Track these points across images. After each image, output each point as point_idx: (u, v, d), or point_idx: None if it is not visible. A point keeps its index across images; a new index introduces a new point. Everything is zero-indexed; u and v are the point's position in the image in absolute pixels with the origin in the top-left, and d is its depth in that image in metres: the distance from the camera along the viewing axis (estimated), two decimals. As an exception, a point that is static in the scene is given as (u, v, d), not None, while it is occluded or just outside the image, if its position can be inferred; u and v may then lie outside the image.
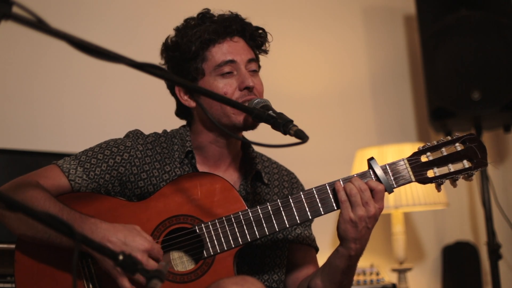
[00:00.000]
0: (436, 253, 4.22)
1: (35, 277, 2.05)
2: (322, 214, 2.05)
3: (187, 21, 2.23)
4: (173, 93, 2.27)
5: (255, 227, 2.03)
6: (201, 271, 2.03)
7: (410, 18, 4.37)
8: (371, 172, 2.04)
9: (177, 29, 2.22)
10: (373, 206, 1.99)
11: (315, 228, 2.37)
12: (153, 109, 3.62)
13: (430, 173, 2.03)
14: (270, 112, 1.99)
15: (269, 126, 1.98)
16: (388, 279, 3.57)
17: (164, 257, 2.07)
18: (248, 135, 2.21)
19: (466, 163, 2.03)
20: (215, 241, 2.03)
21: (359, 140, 4.09)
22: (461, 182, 2.05)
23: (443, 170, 2.03)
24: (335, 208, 2.04)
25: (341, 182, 2.03)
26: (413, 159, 2.04)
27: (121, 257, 1.47)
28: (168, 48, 2.23)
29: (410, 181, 2.04)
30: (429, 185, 2.06)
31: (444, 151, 2.04)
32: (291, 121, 1.94)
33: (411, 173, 2.03)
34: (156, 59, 2.25)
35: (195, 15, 2.23)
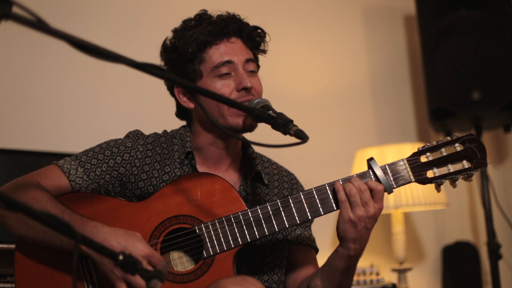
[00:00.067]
0: (436, 253, 4.22)
1: (35, 277, 2.05)
2: (321, 215, 2.05)
3: (185, 22, 2.22)
4: (172, 94, 2.28)
5: (254, 228, 2.03)
6: (200, 271, 2.03)
7: (410, 18, 4.37)
8: (371, 172, 2.04)
9: (175, 31, 2.23)
10: (373, 206, 1.99)
11: (315, 229, 2.37)
12: (153, 109, 3.62)
13: (429, 174, 2.04)
14: (270, 112, 1.99)
15: (269, 126, 1.98)
16: (388, 279, 3.57)
17: (164, 257, 2.07)
18: (248, 135, 2.21)
19: (465, 164, 2.03)
20: (215, 241, 2.03)
21: (359, 140, 4.09)
22: (461, 182, 2.05)
23: (443, 170, 2.03)
24: (335, 208, 2.04)
25: (341, 182, 2.03)
26: (413, 159, 2.04)
27: (121, 257, 1.47)
28: (166, 50, 2.23)
29: (410, 182, 2.04)
30: (428, 185, 2.06)
31: (444, 152, 2.04)
32: (291, 121, 1.94)
33: (410, 173, 2.03)
34: (156, 59, 2.25)
35: (193, 16, 2.23)
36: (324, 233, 3.79)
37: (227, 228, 2.04)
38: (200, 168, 2.22)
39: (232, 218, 2.04)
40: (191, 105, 2.22)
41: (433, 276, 4.20)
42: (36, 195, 2.00)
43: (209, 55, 2.17)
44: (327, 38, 4.24)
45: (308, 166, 3.80)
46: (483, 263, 4.13)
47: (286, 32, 4.06)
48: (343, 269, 2.08)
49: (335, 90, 4.19)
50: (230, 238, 2.03)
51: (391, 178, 2.03)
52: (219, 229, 2.04)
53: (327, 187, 2.04)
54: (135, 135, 2.22)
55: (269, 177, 2.30)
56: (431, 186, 2.06)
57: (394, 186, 2.03)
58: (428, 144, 2.06)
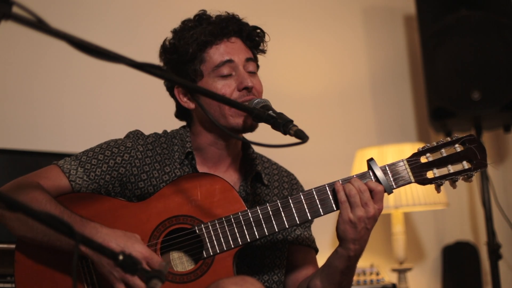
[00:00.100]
0: (436, 253, 4.22)
1: (35, 277, 2.05)
2: (321, 215, 2.05)
3: (184, 23, 2.22)
4: (172, 95, 2.27)
5: (254, 228, 2.03)
6: (200, 271, 2.03)
7: (410, 18, 4.37)
8: (371, 173, 2.04)
9: (174, 31, 2.22)
10: (373, 207, 1.99)
11: (314, 229, 2.37)
12: (153, 109, 3.62)
13: (429, 174, 2.04)
14: (270, 112, 1.99)
15: (269, 126, 1.98)
16: (388, 279, 3.57)
17: (164, 257, 2.07)
18: (248, 135, 2.21)
19: (465, 164, 2.03)
20: (215, 241, 2.03)
21: (359, 140, 4.09)
22: (461, 182, 2.05)
23: (443, 171, 2.03)
24: (335, 208, 2.04)
25: (341, 182, 2.03)
26: (413, 160, 2.04)
27: (121, 257, 1.47)
28: (166, 51, 2.23)
29: (410, 182, 2.04)
30: (428, 185, 2.06)
31: (444, 152, 2.04)
32: (291, 121, 1.94)
33: (410, 174, 2.03)
34: (156, 59, 2.25)
35: (192, 17, 2.23)
36: (324, 233, 3.79)
37: (227, 229, 2.04)
38: (200, 168, 2.22)
39: (232, 219, 2.04)
40: (191, 106, 2.22)
41: (433, 276, 4.20)
42: (36, 196, 2.00)
43: (210, 55, 2.17)
44: (327, 38, 4.24)
45: (308, 166, 3.80)
46: (483, 263, 4.12)
47: (286, 32, 4.06)
48: (342, 270, 2.08)
49: (335, 90, 4.19)
50: (230, 239, 2.03)
51: (391, 179, 2.03)
52: (219, 229, 2.04)
53: (327, 188, 2.04)
54: (135, 135, 2.22)
55: (269, 178, 2.30)
56: (431, 187, 2.06)
57: (394, 187, 2.03)
58: (428, 145, 2.06)
